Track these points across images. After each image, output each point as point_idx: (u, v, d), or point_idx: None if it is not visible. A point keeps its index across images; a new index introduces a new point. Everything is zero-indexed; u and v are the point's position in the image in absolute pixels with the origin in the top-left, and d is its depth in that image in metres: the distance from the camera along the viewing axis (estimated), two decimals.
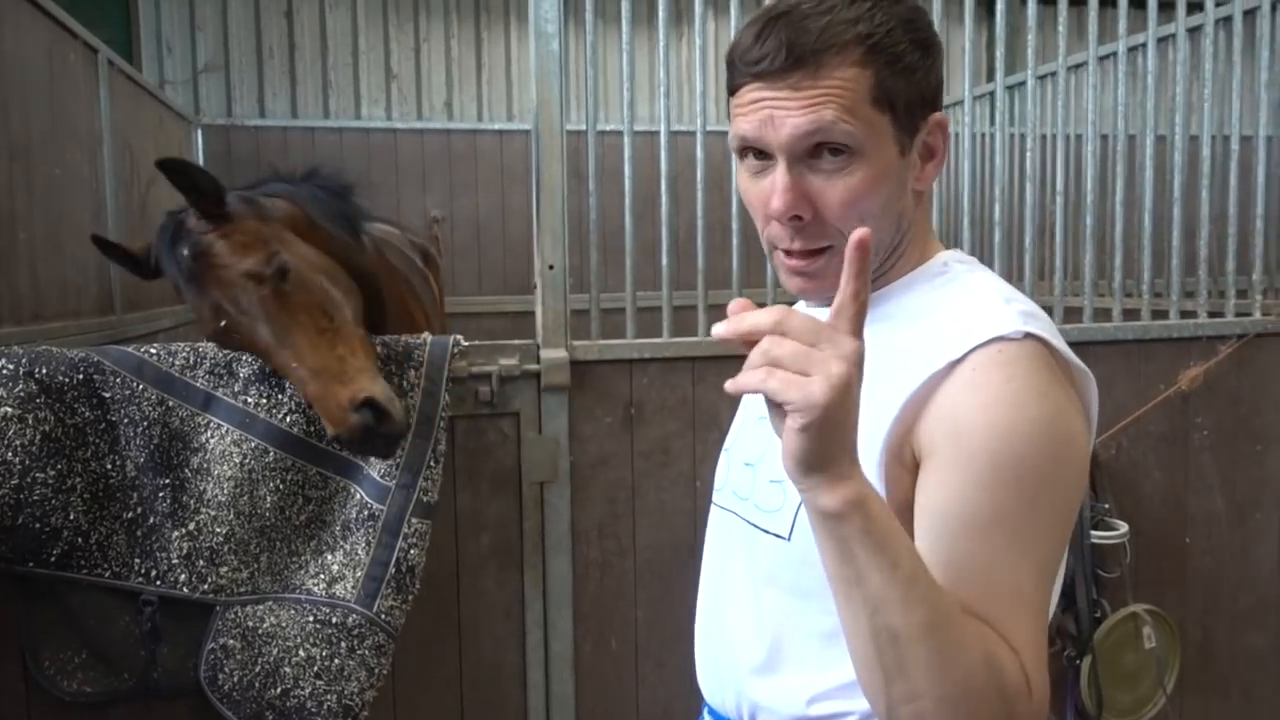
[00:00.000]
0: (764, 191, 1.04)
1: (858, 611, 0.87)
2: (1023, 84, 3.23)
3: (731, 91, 1.06)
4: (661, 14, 2.53)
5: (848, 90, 0.98)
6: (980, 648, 0.88)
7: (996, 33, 2.83)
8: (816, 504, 0.84)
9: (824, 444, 0.80)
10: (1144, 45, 3.20)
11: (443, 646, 2.39)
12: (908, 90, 1.01)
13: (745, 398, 1.27)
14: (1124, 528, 2.67)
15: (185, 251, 1.93)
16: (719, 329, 0.82)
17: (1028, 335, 0.97)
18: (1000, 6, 2.83)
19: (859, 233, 0.79)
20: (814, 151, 1.01)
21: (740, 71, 1.03)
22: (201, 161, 5.56)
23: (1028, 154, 2.91)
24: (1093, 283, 2.90)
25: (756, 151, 1.05)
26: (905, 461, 1.00)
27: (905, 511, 0.99)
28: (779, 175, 1.01)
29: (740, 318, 0.81)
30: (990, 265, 2.91)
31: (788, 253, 1.06)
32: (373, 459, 2.06)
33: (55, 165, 3.17)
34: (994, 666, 0.88)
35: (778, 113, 0.99)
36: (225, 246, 1.92)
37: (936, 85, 1.05)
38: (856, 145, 1.00)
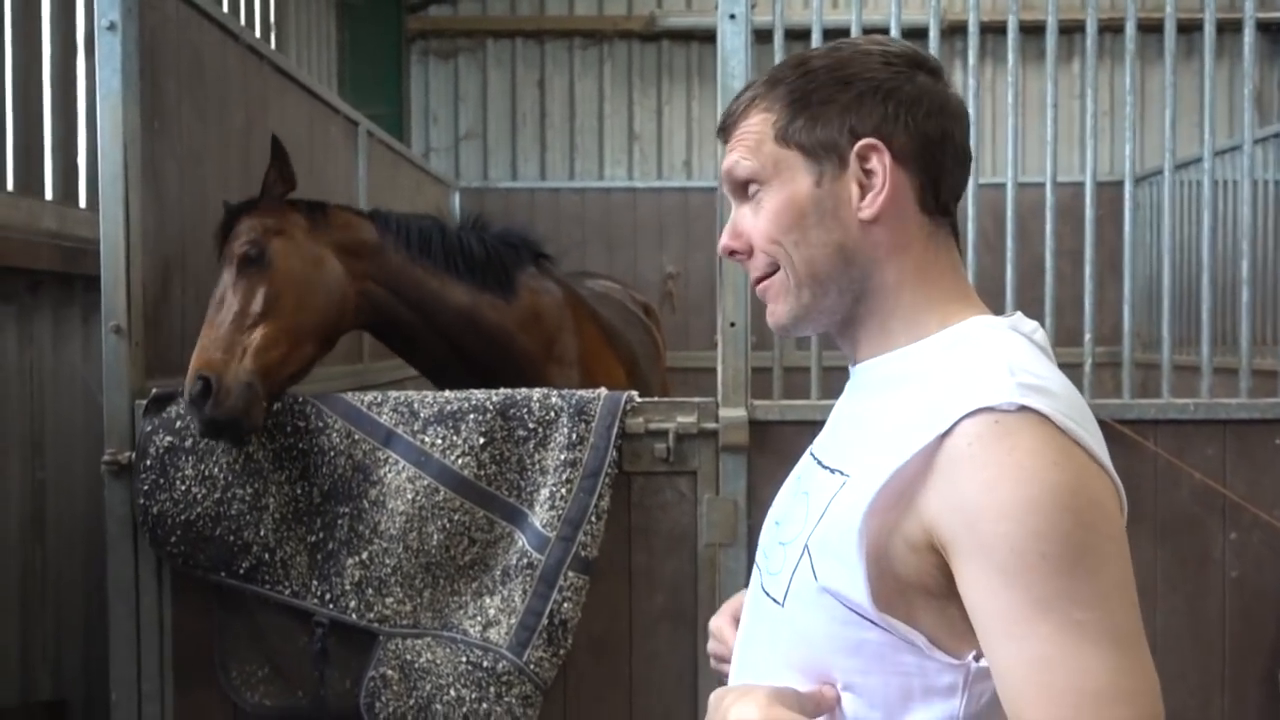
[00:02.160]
0: None
1: None
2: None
3: None
4: None
5: (751, 134, 1.10)
6: None
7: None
8: None
9: None
10: None
11: (613, 705, 2.36)
12: (818, 123, 1.06)
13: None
14: None
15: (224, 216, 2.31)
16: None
17: (1023, 408, 0.91)
18: None
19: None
20: (741, 193, 1.12)
21: None
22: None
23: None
24: None
25: None
26: (915, 542, 0.95)
27: (914, 590, 0.96)
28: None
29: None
30: (1237, 329, 2.58)
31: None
32: (536, 508, 2.09)
33: None
34: None
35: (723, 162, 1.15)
36: (248, 224, 2.24)
37: (876, 118, 1.06)
38: (761, 178, 1.09)
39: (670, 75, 7.12)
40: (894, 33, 2.49)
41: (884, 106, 1.05)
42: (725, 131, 1.14)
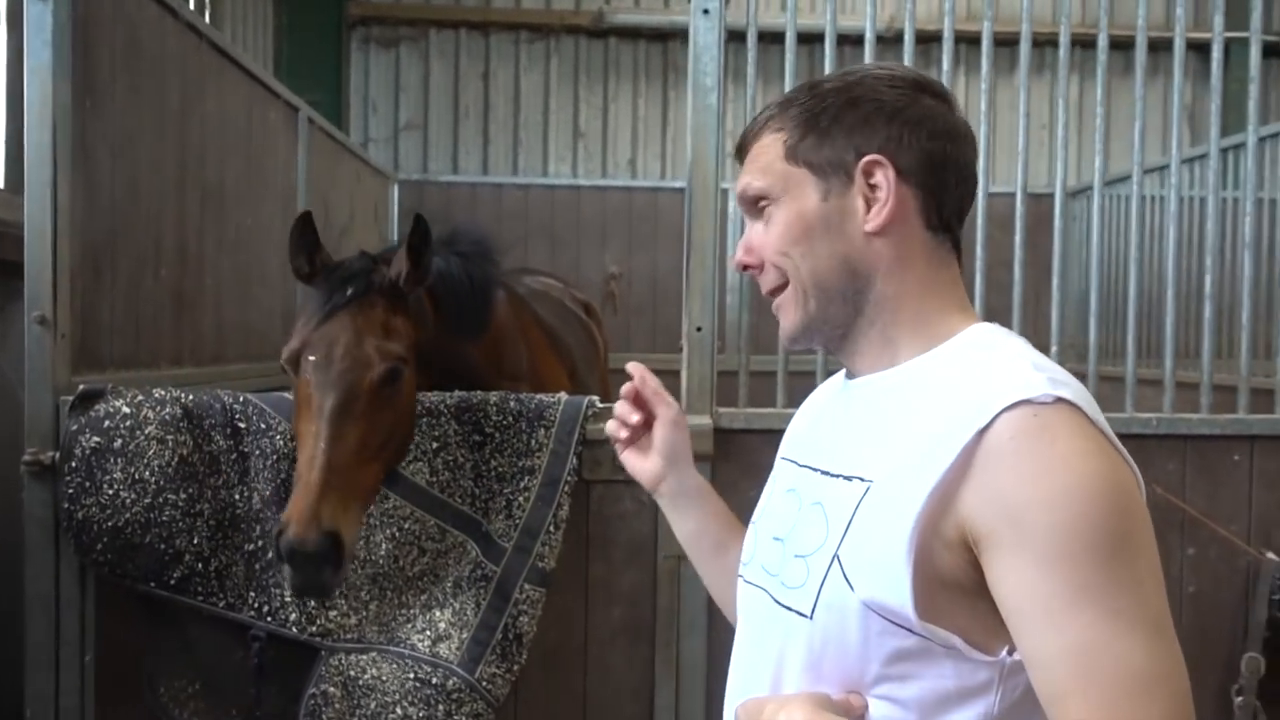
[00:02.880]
0: None
1: None
2: (1242, 145, 2.90)
3: None
4: (828, 68, 2.41)
5: (763, 154, 1.15)
6: None
7: (1213, 88, 2.55)
8: None
9: None
10: None
11: None
12: (826, 142, 1.11)
13: (776, 465, 1.30)
14: None
15: (349, 290, 1.88)
16: None
17: (1059, 399, 0.95)
18: (1216, 63, 2.54)
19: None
20: (754, 210, 1.17)
21: None
22: (395, 215, 5.79)
23: (1246, 219, 2.58)
24: None
25: None
26: (949, 540, 0.97)
27: (950, 590, 0.97)
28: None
29: None
30: (1199, 342, 2.63)
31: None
32: (491, 517, 2.00)
33: (248, 215, 3.35)
34: None
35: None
36: (379, 317, 1.88)
37: (881, 138, 1.11)
38: (772, 194, 1.14)
39: (617, 72, 7.05)
40: (868, 36, 2.45)
41: (889, 126, 1.10)
42: (741, 152, 1.19)
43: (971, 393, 0.99)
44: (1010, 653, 0.97)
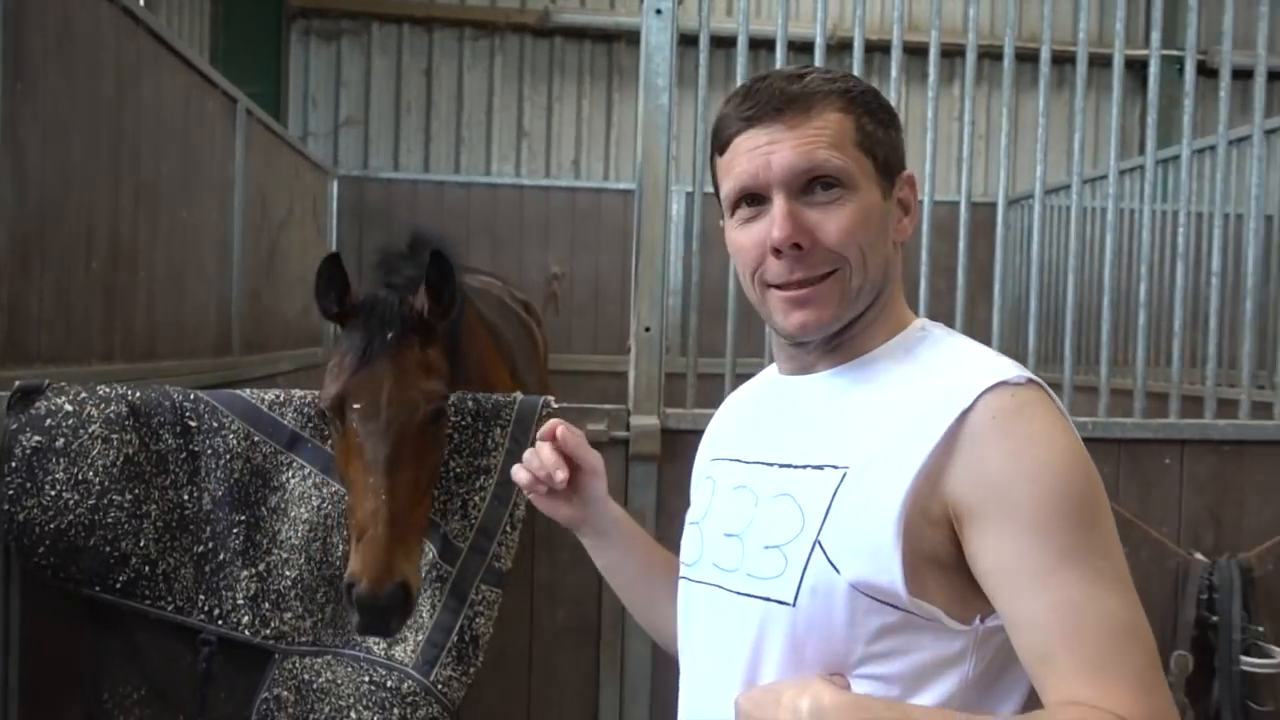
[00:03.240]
0: (758, 232, 1.12)
1: None
2: (1176, 158, 2.99)
3: (720, 152, 1.17)
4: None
5: (835, 130, 1.10)
6: None
7: (1150, 103, 2.62)
8: None
9: None
10: None
11: None
12: (884, 142, 1.13)
13: (704, 466, 1.33)
14: None
15: (389, 335, 1.83)
16: None
17: (1030, 380, 1.04)
18: (1153, 77, 2.62)
19: None
20: (808, 187, 1.10)
21: (731, 125, 1.14)
22: (335, 211, 5.70)
23: (1180, 231, 2.65)
24: (1252, 374, 2.61)
25: (749, 199, 1.14)
26: (933, 517, 1.02)
27: (933, 565, 1.03)
28: (778, 207, 1.10)
29: None
30: (1134, 348, 2.70)
31: (785, 286, 1.12)
32: (447, 517, 1.97)
33: (183, 207, 3.26)
34: None
35: (775, 149, 1.10)
36: (416, 357, 1.85)
37: (903, 150, 1.18)
38: (848, 179, 1.10)
39: (562, 73, 7.03)
40: (818, 41, 2.48)
41: (903, 144, 1.17)
42: (792, 105, 1.10)
43: (948, 377, 1.05)
44: (983, 620, 1.03)
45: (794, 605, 1.06)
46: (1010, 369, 1.04)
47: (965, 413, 1.01)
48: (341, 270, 1.85)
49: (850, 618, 1.03)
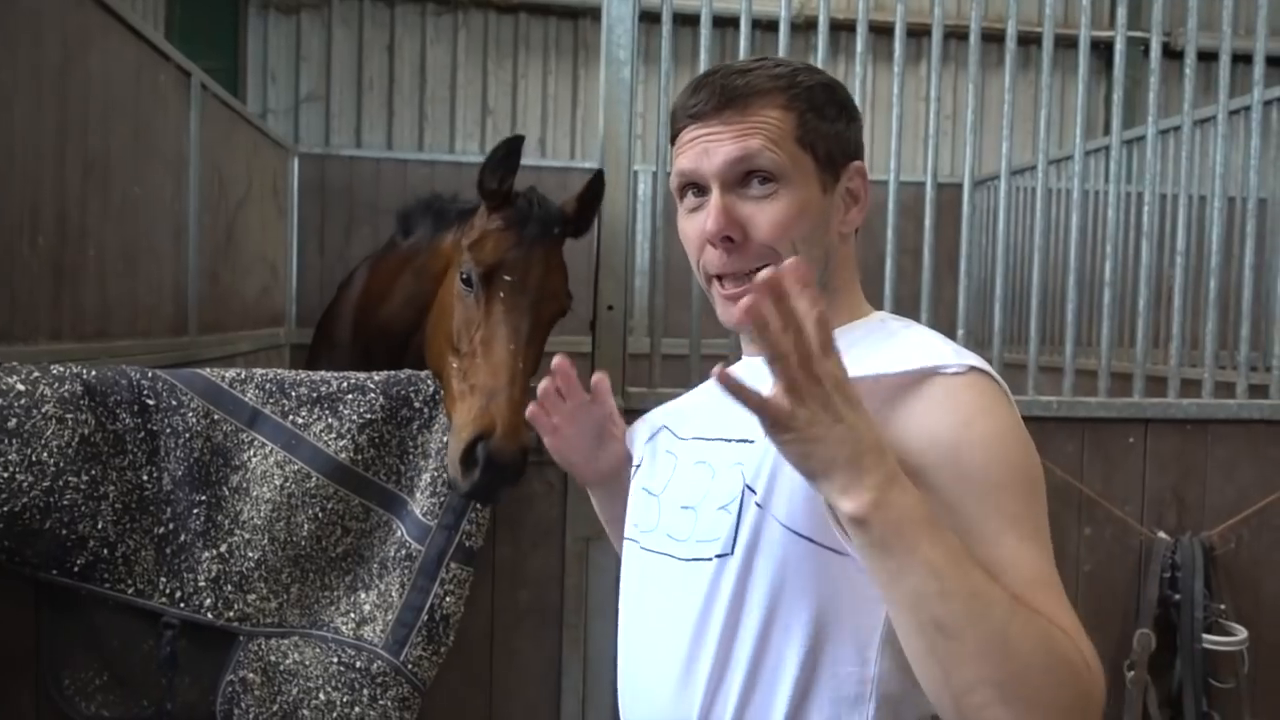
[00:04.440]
0: (699, 222, 1.18)
1: (901, 608, 0.97)
2: (1141, 138, 2.99)
3: (672, 142, 1.23)
4: (743, 52, 2.39)
5: (773, 126, 1.14)
6: (1036, 632, 0.95)
7: (1115, 84, 2.61)
8: (839, 510, 0.96)
9: (820, 461, 0.94)
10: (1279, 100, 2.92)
11: (472, 707, 2.22)
12: (828, 136, 1.16)
13: (657, 437, 1.37)
14: (1242, 633, 2.39)
15: (555, 230, 2.07)
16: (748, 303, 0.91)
17: (972, 368, 1.08)
18: (1118, 57, 2.61)
19: (789, 263, 0.92)
20: (744, 180, 1.16)
21: (679, 119, 1.20)
22: (296, 189, 5.61)
23: (1145, 210, 2.65)
24: (1214, 354, 2.63)
25: (695, 189, 1.19)
26: None
27: None
28: (713, 199, 1.15)
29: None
30: (1099, 329, 2.70)
31: (721, 279, 1.18)
32: (416, 495, 1.94)
33: (135, 183, 3.17)
34: (1054, 649, 0.95)
35: (711, 143, 1.15)
36: (560, 258, 2.11)
37: (857, 142, 1.21)
38: (782, 174, 1.14)
39: (527, 49, 6.94)
40: (783, 19, 2.44)
41: (858, 133, 1.20)
42: (732, 104, 1.15)
43: (899, 354, 1.10)
44: None
45: (733, 554, 1.12)
46: (954, 357, 1.09)
47: (917, 381, 1.07)
48: (519, 154, 1.99)
49: (783, 559, 1.09)
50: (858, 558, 0.99)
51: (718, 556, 1.14)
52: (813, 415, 0.92)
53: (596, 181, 2.09)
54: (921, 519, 0.94)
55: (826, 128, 1.16)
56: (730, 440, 1.20)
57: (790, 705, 1.09)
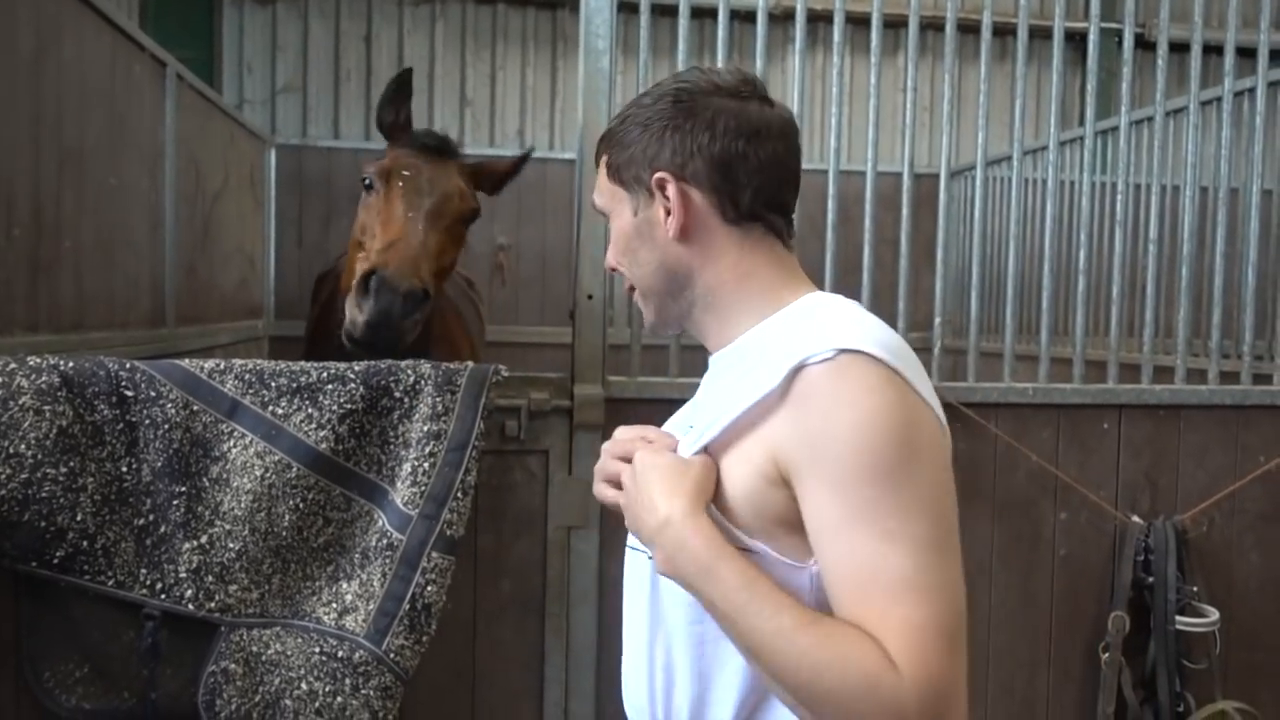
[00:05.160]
0: None
1: (726, 630, 1.09)
2: (1115, 129, 3.02)
3: None
4: (720, 48, 2.41)
5: (601, 171, 1.33)
6: (829, 655, 0.99)
7: (1089, 75, 2.63)
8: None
9: (637, 530, 1.18)
10: (1251, 90, 2.95)
11: (454, 696, 2.23)
12: (625, 163, 1.27)
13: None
14: (1214, 615, 2.43)
15: (448, 147, 2.40)
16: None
17: (841, 351, 1.07)
18: (1092, 48, 2.63)
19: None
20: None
21: None
22: (273, 180, 5.56)
23: (1118, 199, 2.68)
24: (1187, 341, 2.67)
25: None
26: (772, 479, 1.11)
27: (779, 526, 1.12)
28: None
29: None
30: (1073, 316, 2.73)
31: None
32: (397, 484, 1.95)
33: (111, 175, 3.15)
34: (848, 668, 0.98)
35: None
36: (462, 178, 2.33)
37: (654, 152, 1.25)
38: (607, 210, 1.33)
39: (505, 39, 6.91)
40: (760, 9, 2.45)
41: (674, 140, 1.24)
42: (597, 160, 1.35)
43: (778, 352, 1.12)
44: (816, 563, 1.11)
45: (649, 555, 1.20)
46: (821, 343, 1.09)
47: (788, 382, 1.09)
48: (410, 86, 2.23)
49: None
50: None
51: (645, 553, 1.22)
52: (633, 508, 1.18)
53: (522, 162, 2.46)
54: (705, 570, 1.07)
55: (623, 155, 1.27)
56: (687, 430, 1.28)
57: (742, 691, 1.17)
